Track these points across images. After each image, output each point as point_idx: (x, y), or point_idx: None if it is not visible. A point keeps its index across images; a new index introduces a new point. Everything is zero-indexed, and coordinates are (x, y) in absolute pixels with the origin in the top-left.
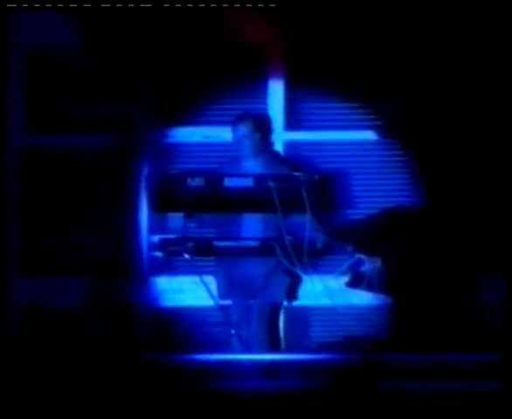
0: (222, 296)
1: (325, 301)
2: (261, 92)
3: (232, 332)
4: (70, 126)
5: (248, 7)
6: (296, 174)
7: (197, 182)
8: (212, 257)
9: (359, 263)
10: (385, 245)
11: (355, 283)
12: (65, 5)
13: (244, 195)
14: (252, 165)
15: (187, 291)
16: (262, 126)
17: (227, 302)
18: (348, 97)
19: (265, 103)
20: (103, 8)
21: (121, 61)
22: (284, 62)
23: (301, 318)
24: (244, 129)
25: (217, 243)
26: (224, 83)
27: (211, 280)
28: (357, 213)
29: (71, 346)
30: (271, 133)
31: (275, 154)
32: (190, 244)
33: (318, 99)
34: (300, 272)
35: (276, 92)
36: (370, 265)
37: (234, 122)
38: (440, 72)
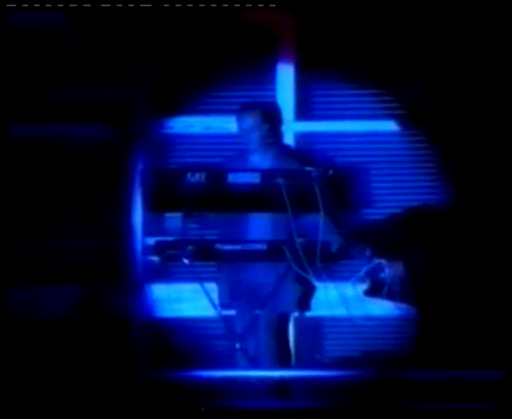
0: (225, 305)
1: (341, 311)
2: (269, 77)
3: (237, 346)
4: (57, 115)
5: (248, 7)
6: (308, 169)
7: (197, 177)
8: (214, 262)
9: (379, 268)
10: (408, 249)
11: (374, 291)
12: (65, 5)
13: (250, 193)
14: (260, 160)
15: (186, 301)
16: (271, 116)
17: (231, 312)
18: (366, 83)
19: (273, 90)
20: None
21: (116, 44)
22: (294, 44)
23: (314, 330)
24: (251, 120)
25: (219, 247)
26: (227, 68)
27: (213, 288)
28: (377, 212)
29: (58, 362)
30: (281, 124)
31: (285, 148)
32: (189, 248)
33: (332, 86)
34: (312, 279)
35: (286, 77)
36: (391, 271)
37: (240, 112)
38: (469, 52)
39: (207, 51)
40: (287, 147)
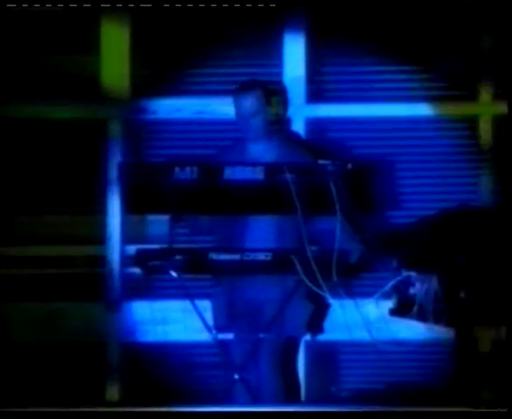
0: (221, 328)
1: (361, 335)
2: (275, 51)
3: (235, 376)
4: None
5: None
6: (323, 162)
7: (187, 173)
8: (208, 276)
9: (408, 283)
10: (444, 259)
11: (402, 310)
12: (65, 5)
13: (251, 192)
14: (263, 151)
15: (174, 322)
16: (275, 97)
17: (228, 336)
18: (392, 58)
19: (280, 67)
20: None
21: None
22: (305, 12)
23: (329, 357)
24: (250, 102)
25: (214, 257)
26: (224, 40)
27: (206, 306)
28: (406, 215)
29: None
30: (287, 107)
31: (293, 136)
32: (178, 258)
33: (351, 62)
34: (327, 296)
35: (295, 51)
36: (422, 286)
37: (237, 93)
38: None
39: (199, 18)
40: (296, 136)
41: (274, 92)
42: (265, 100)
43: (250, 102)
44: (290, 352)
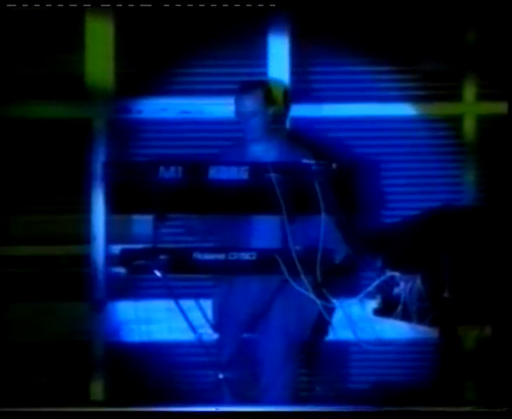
0: (217, 327)
1: (346, 335)
2: (259, 51)
3: (220, 376)
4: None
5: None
6: (307, 162)
7: (172, 172)
8: (193, 275)
9: (392, 283)
10: (428, 259)
11: (386, 310)
12: (65, 5)
13: (236, 191)
14: (264, 150)
15: (159, 321)
16: (277, 97)
17: (214, 336)
18: (377, 57)
19: (264, 66)
20: None
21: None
22: (289, 11)
23: (314, 357)
24: (251, 102)
25: (198, 257)
26: (208, 39)
27: (191, 306)
28: (390, 215)
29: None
30: (289, 107)
31: (295, 135)
32: (162, 258)
33: (335, 62)
34: (311, 296)
35: (279, 50)
36: (406, 286)
37: (240, 92)
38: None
39: (184, 17)
40: (297, 135)
41: (276, 92)
42: (266, 100)
43: (251, 102)
44: (275, 351)
